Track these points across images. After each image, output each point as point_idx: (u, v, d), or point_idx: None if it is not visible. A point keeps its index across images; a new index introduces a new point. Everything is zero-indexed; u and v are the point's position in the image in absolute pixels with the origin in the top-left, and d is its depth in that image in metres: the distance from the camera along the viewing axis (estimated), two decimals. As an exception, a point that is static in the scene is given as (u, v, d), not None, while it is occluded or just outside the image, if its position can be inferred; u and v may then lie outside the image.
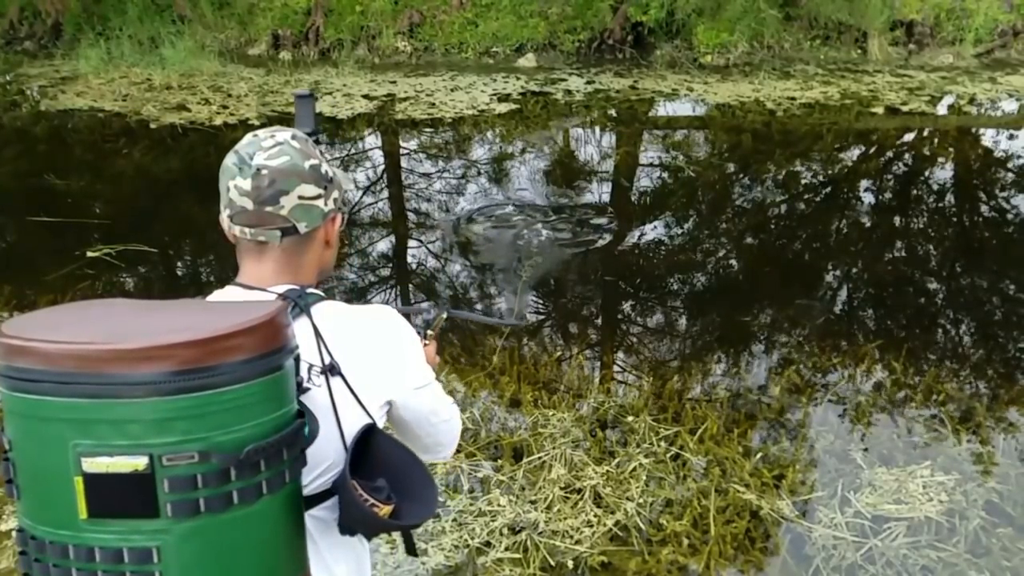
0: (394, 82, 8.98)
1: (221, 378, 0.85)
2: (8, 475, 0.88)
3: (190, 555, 0.85)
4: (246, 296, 1.19)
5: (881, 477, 3.07)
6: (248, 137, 1.23)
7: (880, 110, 7.41)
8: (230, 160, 1.21)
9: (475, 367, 3.92)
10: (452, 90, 8.62)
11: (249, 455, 0.86)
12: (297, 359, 1.00)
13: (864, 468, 3.15)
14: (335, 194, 1.25)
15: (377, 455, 1.13)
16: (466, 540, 2.86)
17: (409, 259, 5.31)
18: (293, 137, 1.21)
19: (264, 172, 1.17)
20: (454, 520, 2.94)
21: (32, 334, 0.85)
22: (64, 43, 10.88)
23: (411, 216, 5.90)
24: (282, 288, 1.19)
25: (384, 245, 5.48)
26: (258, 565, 0.92)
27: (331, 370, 1.12)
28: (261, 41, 10.36)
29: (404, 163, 6.97)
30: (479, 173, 6.59)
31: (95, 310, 1.00)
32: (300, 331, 1.05)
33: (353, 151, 7.25)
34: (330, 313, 1.19)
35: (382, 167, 6.97)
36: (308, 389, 1.06)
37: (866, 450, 3.27)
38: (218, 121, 7.79)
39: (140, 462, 0.82)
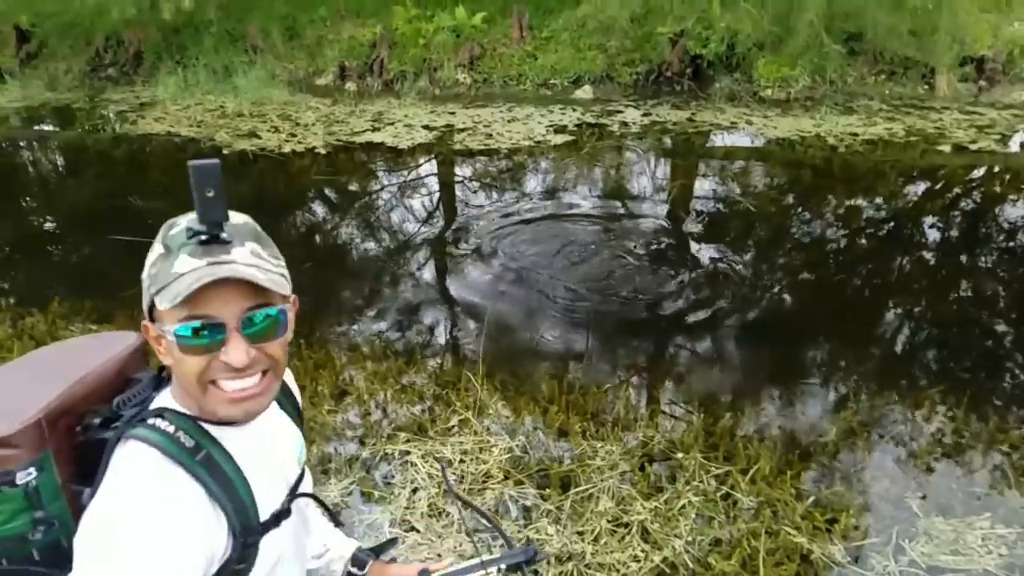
0: (453, 113, 9.15)
1: None
2: None
3: None
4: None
5: (938, 527, 2.98)
6: None
7: (947, 148, 7.24)
8: None
9: (524, 395, 3.95)
10: (509, 121, 8.75)
11: None
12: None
13: (920, 516, 3.06)
14: (147, 293, 1.04)
15: None
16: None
17: (451, 287, 5.37)
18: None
19: None
20: (501, 547, 2.96)
21: None
22: (144, 71, 11.42)
23: (455, 246, 5.99)
24: (160, 397, 1.10)
25: (428, 274, 5.55)
26: None
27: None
28: (328, 72, 10.69)
29: (459, 192, 7.08)
30: (531, 202, 6.65)
31: None
32: None
33: (411, 179, 7.39)
34: (112, 458, 1.01)
35: (437, 195, 7.09)
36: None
37: (923, 497, 3.18)
38: (287, 149, 8.05)
39: None
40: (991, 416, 3.73)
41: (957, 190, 6.86)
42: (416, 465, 3.40)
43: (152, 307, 1.02)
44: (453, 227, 6.28)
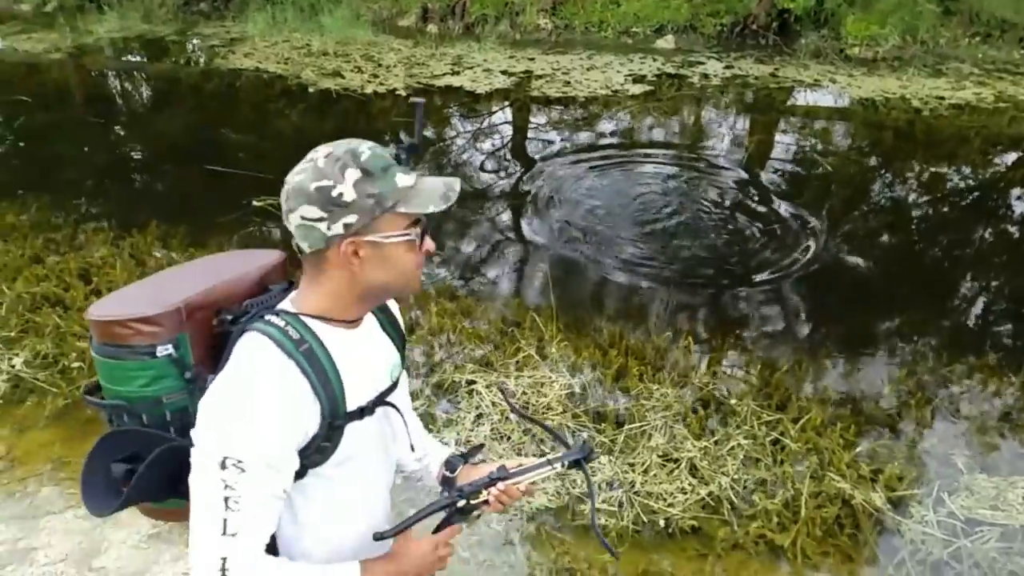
0: (532, 59, 9.20)
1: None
2: None
3: None
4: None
5: (980, 483, 3.08)
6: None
7: (1039, 115, 7.03)
8: None
9: (585, 337, 4.14)
10: (588, 69, 8.76)
11: None
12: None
13: (964, 472, 3.16)
14: (347, 219, 1.18)
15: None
16: (568, 489, 3.11)
17: (522, 231, 5.55)
18: (328, 155, 1.19)
19: (286, 187, 1.21)
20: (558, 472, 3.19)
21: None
22: (235, 6, 11.73)
23: (526, 193, 6.14)
24: (284, 302, 1.29)
25: (499, 218, 5.74)
26: None
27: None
28: (411, 13, 10.82)
29: (533, 139, 7.20)
30: (605, 152, 6.74)
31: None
32: None
33: (486, 124, 7.54)
34: (235, 346, 1.23)
35: (511, 141, 7.22)
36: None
37: (969, 456, 3.27)
38: (368, 89, 8.28)
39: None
40: (1050, 386, 3.76)
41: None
42: (481, 394, 3.65)
43: (365, 223, 1.20)
44: (526, 174, 6.43)
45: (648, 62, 8.91)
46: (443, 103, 8.04)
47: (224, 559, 1.12)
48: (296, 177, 1.19)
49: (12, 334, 4.23)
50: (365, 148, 1.20)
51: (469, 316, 4.35)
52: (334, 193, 1.16)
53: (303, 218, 1.18)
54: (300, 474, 1.24)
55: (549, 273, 4.87)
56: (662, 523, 2.97)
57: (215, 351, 1.28)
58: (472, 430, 3.44)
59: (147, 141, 7.75)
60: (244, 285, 1.35)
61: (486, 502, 1.46)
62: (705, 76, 8.42)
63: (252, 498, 1.13)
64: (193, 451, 1.15)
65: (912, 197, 5.91)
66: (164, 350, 1.24)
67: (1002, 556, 2.79)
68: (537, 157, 6.73)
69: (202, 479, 1.13)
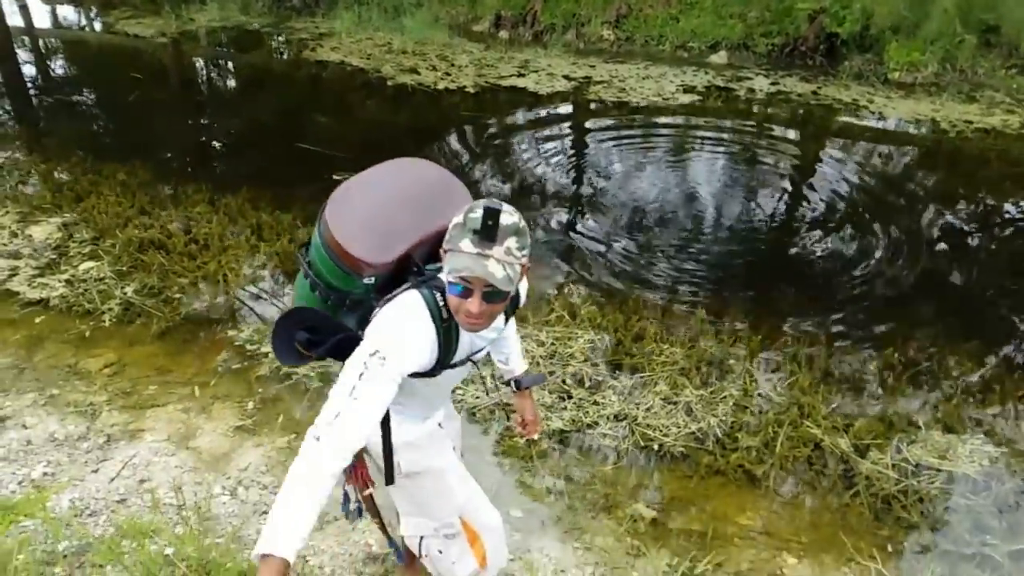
0: (593, 66, 9.66)
1: None
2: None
3: None
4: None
5: (935, 438, 3.47)
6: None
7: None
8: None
9: (612, 302, 4.61)
10: (644, 78, 9.19)
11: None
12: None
13: (923, 430, 3.56)
14: (446, 241, 1.63)
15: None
16: (581, 418, 3.60)
17: (573, 221, 6.03)
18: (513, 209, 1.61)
19: (519, 225, 1.60)
20: (574, 404, 3.70)
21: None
22: (325, 4, 12.45)
23: (585, 187, 6.62)
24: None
25: (563, 215, 6.25)
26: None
27: None
28: (485, 20, 11.38)
29: (586, 139, 7.68)
30: (653, 152, 7.18)
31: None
32: None
33: (547, 121, 8.02)
34: (405, 294, 1.69)
35: (569, 139, 7.70)
36: None
37: (934, 418, 3.65)
38: (441, 86, 8.86)
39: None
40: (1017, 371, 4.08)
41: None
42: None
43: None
44: (579, 166, 6.93)
45: (700, 75, 9.29)
46: (510, 101, 8.56)
47: (339, 413, 1.50)
48: (516, 220, 1.59)
49: (124, 268, 4.91)
50: (480, 210, 1.58)
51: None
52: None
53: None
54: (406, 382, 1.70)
55: (586, 252, 5.36)
56: (656, 447, 3.45)
57: (392, 283, 1.77)
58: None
59: (241, 120, 8.47)
60: (440, 232, 1.69)
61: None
62: (751, 90, 8.77)
63: (377, 380, 1.55)
64: (361, 343, 1.62)
65: (927, 208, 6.16)
66: (368, 280, 1.75)
67: (942, 495, 3.19)
68: (590, 151, 7.21)
69: (355, 359, 1.57)
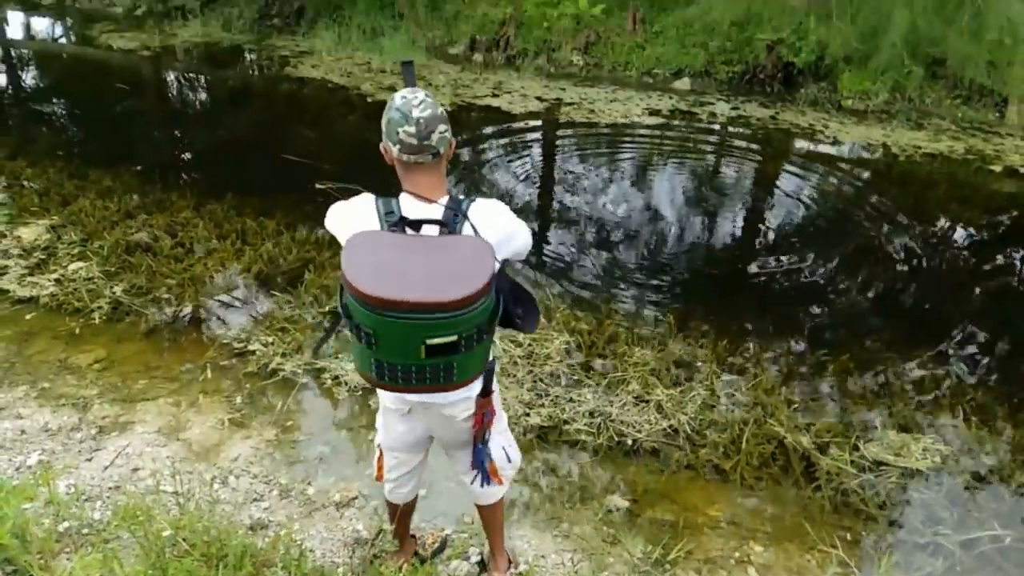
0: (564, 89, 9.81)
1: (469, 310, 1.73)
2: (357, 336, 1.77)
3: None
4: (420, 205, 1.89)
5: (891, 437, 3.58)
6: (399, 99, 1.85)
7: (998, 168, 7.47)
8: (395, 115, 1.84)
9: (587, 310, 4.69)
10: (611, 101, 9.35)
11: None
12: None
13: (879, 429, 3.68)
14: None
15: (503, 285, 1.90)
16: (557, 415, 3.66)
17: (546, 231, 6.12)
18: (425, 94, 1.85)
19: (422, 116, 1.82)
20: (551, 401, 3.75)
21: (382, 291, 1.66)
22: (305, 22, 12.47)
23: (556, 203, 6.71)
24: (443, 200, 1.88)
25: (526, 218, 6.33)
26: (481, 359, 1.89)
27: None
28: (461, 43, 11.48)
29: (558, 154, 7.78)
30: (619, 169, 7.31)
31: (389, 256, 1.75)
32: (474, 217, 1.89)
33: (519, 140, 8.12)
34: (476, 210, 1.90)
35: (539, 155, 7.79)
36: None
37: (890, 418, 3.77)
38: (418, 101, 8.91)
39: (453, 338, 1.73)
40: (970, 375, 4.23)
41: (998, 206, 7.07)
42: (496, 344, 4.19)
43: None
44: (551, 182, 7.03)
45: (664, 99, 9.48)
46: (484, 118, 8.65)
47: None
48: (426, 111, 1.83)
49: (112, 269, 4.88)
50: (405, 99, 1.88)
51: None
52: (445, 113, 1.89)
53: (441, 132, 1.86)
54: None
55: (562, 259, 5.44)
56: (629, 442, 3.51)
57: None
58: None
59: (225, 130, 8.44)
60: None
61: None
62: (712, 114, 8.98)
63: None
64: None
65: (876, 226, 6.35)
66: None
67: (898, 488, 3.30)
68: (560, 169, 7.31)
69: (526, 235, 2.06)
